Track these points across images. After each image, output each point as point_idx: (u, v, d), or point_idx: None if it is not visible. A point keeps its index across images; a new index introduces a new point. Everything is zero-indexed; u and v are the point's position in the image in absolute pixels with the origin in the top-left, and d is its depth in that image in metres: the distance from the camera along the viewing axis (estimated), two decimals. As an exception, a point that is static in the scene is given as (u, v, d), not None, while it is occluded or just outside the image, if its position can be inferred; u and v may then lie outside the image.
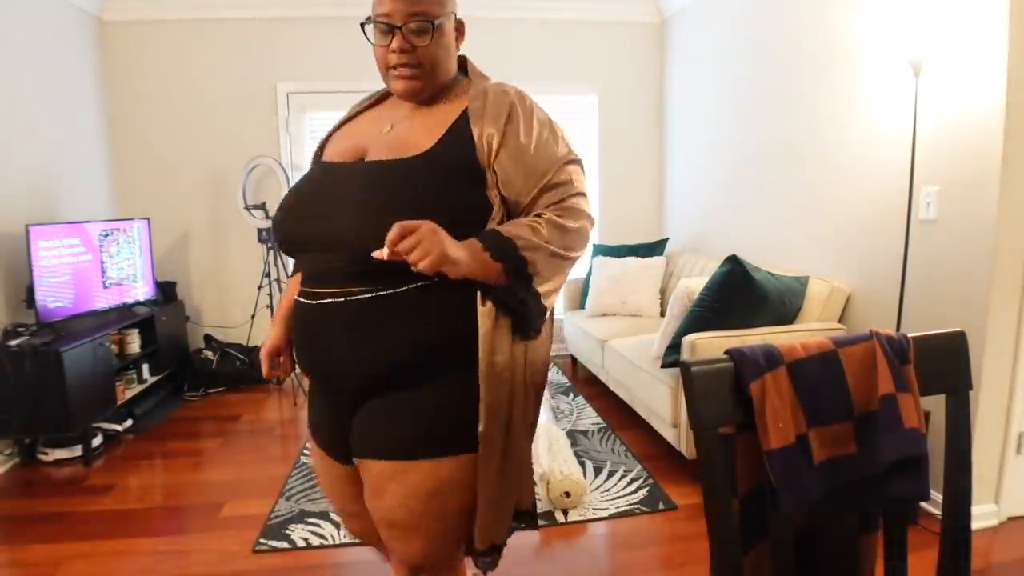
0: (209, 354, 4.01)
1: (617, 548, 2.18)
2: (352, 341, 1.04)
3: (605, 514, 2.35)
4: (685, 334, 2.49)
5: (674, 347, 2.57)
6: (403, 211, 0.95)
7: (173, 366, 3.89)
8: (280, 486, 2.63)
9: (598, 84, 4.53)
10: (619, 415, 3.36)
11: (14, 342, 2.79)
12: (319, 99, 4.21)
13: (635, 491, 2.52)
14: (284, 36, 4.13)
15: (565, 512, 2.35)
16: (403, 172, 1.03)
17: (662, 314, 3.62)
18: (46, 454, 2.96)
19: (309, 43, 4.16)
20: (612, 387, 3.42)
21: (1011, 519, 2.21)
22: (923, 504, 2.20)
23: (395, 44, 1.05)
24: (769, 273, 2.65)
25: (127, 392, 3.40)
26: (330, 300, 1.04)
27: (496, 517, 1.11)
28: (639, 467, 2.73)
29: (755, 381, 0.84)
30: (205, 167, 4.19)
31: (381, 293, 1.02)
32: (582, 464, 2.75)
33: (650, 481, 2.60)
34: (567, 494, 2.34)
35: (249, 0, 4.04)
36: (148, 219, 3.83)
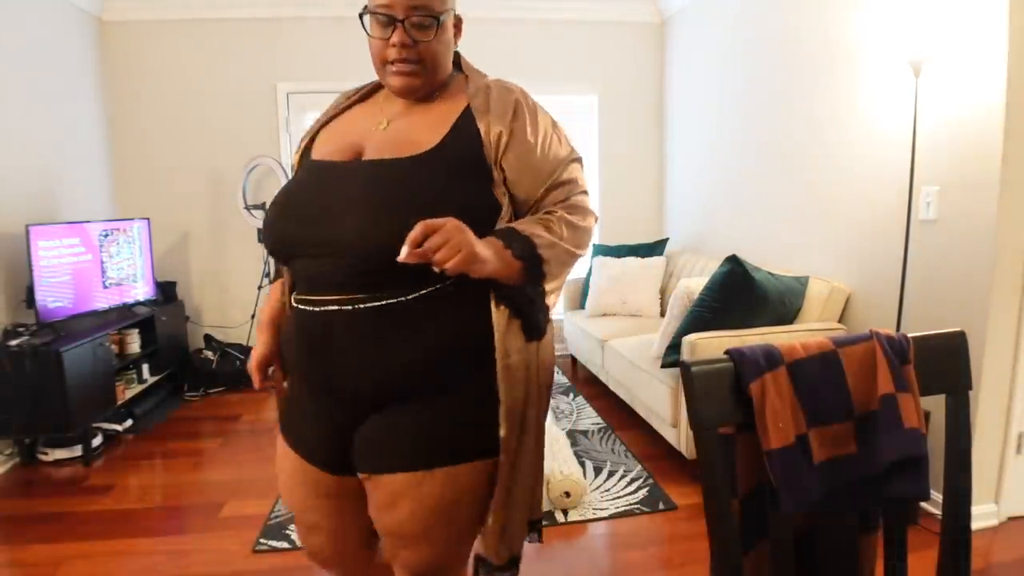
0: (209, 354, 4.01)
1: (617, 548, 2.18)
2: (364, 351, 0.99)
3: (605, 514, 2.35)
4: (685, 334, 2.49)
5: (674, 347, 2.57)
6: (409, 211, 0.92)
7: (173, 366, 3.89)
8: (280, 486, 2.63)
9: (598, 84, 4.53)
10: (619, 415, 3.36)
11: (14, 342, 2.79)
12: (319, 99, 4.21)
13: (635, 491, 2.52)
14: (283, 36, 4.13)
15: (565, 512, 2.35)
16: (408, 170, 0.99)
17: (662, 314, 3.62)
18: (46, 454, 2.96)
19: (309, 43, 4.15)
20: (612, 387, 3.42)
21: (1011, 519, 2.21)
22: (923, 504, 2.19)
23: (396, 38, 1.00)
24: (769, 273, 2.65)
25: (127, 392, 3.40)
26: (336, 308, 0.99)
27: (514, 525, 1.08)
28: (639, 467, 2.73)
29: (755, 381, 0.84)
30: (205, 167, 4.19)
31: (392, 301, 0.98)
32: (582, 464, 2.75)
33: (650, 481, 2.59)
34: (567, 494, 2.34)
35: (249, 0, 4.04)
36: (148, 219, 3.82)
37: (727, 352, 0.86)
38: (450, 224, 0.88)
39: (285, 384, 1.20)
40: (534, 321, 1.04)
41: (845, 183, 2.69)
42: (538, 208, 1.07)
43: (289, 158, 4.24)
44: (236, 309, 4.29)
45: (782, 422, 0.83)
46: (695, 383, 0.83)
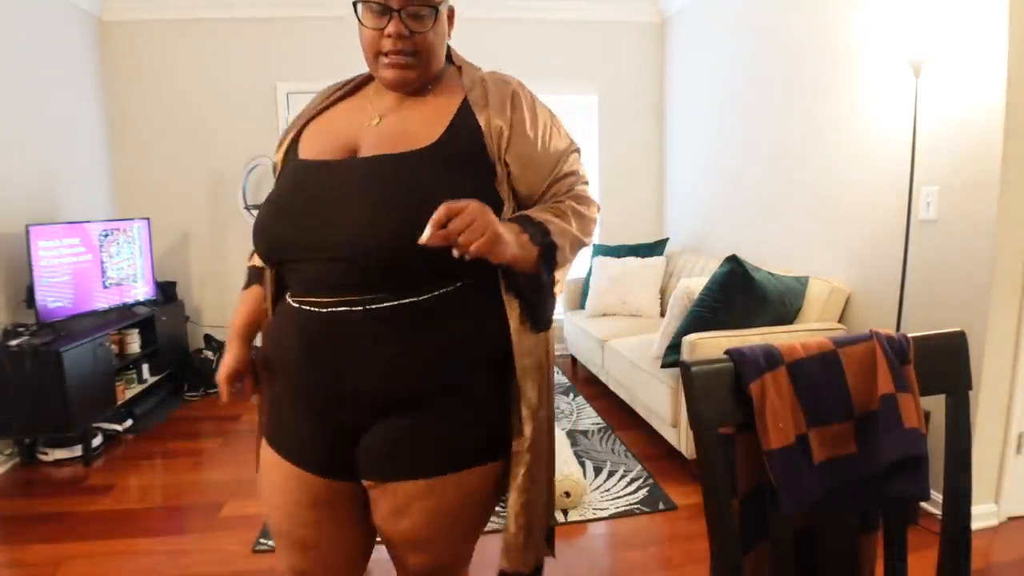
0: (209, 354, 4.01)
1: (617, 548, 2.18)
2: (378, 354, 0.95)
3: (605, 514, 2.35)
4: (685, 334, 2.49)
5: (674, 347, 2.57)
6: (412, 208, 0.89)
7: (173, 366, 3.89)
8: (280, 486, 2.63)
9: (598, 84, 4.53)
10: (619, 415, 3.36)
11: (14, 342, 2.79)
12: (319, 99, 4.21)
13: (635, 491, 2.52)
14: (283, 36, 4.13)
15: (565, 512, 2.35)
16: (408, 166, 0.95)
17: (662, 314, 3.62)
18: (46, 454, 2.96)
19: (308, 43, 4.15)
20: (612, 387, 3.42)
21: (1011, 519, 2.21)
22: (923, 504, 2.19)
23: (391, 28, 0.96)
24: (769, 273, 2.65)
25: (127, 392, 3.40)
26: (346, 308, 0.94)
27: (536, 529, 1.06)
28: (639, 467, 2.73)
29: (755, 381, 0.84)
30: (205, 167, 4.19)
31: (406, 301, 0.94)
32: (582, 464, 2.75)
33: (650, 481, 2.59)
34: (567, 494, 2.34)
35: (248, 0, 4.04)
36: (148, 219, 3.83)
37: (727, 352, 0.86)
38: (473, 205, 0.84)
39: (254, 398, 1.15)
40: (546, 311, 1.03)
41: (845, 183, 2.69)
42: (541, 201, 1.06)
43: (289, 158, 4.23)
44: (236, 309, 4.29)
45: (782, 422, 0.83)
46: (695, 383, 0.83)
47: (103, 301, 3.40)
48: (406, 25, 0.96)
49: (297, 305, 1.00)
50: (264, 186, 4.18)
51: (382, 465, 1.00)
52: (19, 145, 3.16)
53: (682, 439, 2.61)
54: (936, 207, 2.21)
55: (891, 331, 0.91)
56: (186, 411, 3.69)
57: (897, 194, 2.37)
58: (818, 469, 0.85)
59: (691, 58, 4.13)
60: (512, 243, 0.91)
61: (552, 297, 1.04)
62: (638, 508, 2.39)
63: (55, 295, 3.06)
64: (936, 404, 1.01)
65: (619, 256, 4.08)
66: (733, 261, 2.51)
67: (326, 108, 1.11)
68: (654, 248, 4.10)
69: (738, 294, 2.49)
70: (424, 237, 0.82)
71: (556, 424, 3.10)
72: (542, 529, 1.08)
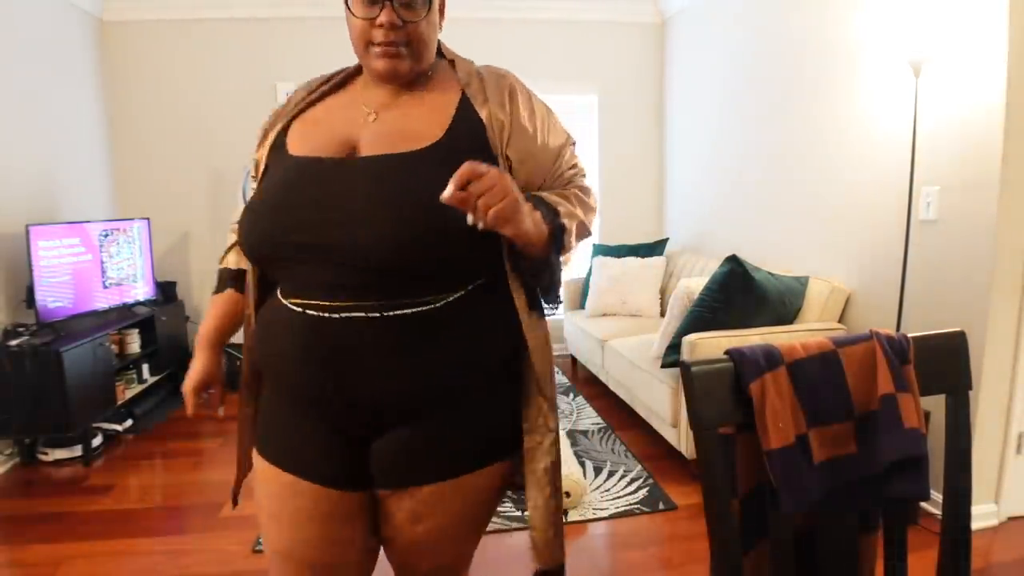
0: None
1: (617, 548, 2.18)
2: (397, 361, 0.92)
3: (605, 514, 2.35)
4: (685, 334, 2.49)
5: (674, 347, 2.57)
6: (424, 208, 0.86)
7: (173, 366, 3.89)
8: (280, 486, 2.63)
9: (598, 84, 4.53)
10: (619, 415, 3.36)
11: (14, 342, 2.79)
12: (319, 99, 4.21)
13: (635, 491, 2.52)
14: (283, 36, 4.13)
15: (565, 512, 2.35)
16: (418, 165, 0.92)
17: (662, 314, 3.62)
18: (46, 454, 2.96)
19: (308, 43, 4.15)
20: (612, 387, 3.42)
21: (1011, 519, 2.21)
22: (923, 504, 2.19)
23: (383, 18, 0.92)
24: (769, 273, 2.65)
25: (127, 392, 3.40)
26: (361, 314, 0.90)
27: (560, 523, 1.05)
28: (639, 467, 2.73)
29: (755, 381, 0.84)
30: (205, 167, 4.19)
31: (423, 304, 0.91)
32: (582, 464, 2.75)
33: (650, 481, 2.59)
34: (567, 494, 2.34)
35: (248, 0, 4.04)
36: (148, 219, 3.83)
37: (727, 352, 0.86)
38: (495, 170, 0.82)
39: (221, 410, 1.12)
40: (552, 295, 1.03)
41: (845, 183, 2.69)
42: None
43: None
44: (236, 309, 4.29)
45: (782, 422, 0.83)
46: (695, 383, 0.83)
47: (103, 301, 3.39)
48: (399, 14, 0.92)
49: (300, 310, 0.93)
50: (264, 186, 4.18)
51: (401, 471, 0.98)
52: (19, 145, 3.16)
53: (682, 439, 2.61)
54: (936, 207, 2.21)
55: (891, 331, 0.91)
56: (186, 411, 3.69)
57: (897, 194, 2.37)
58: (818, 469, 0.85)
59: (691, 58, 4.13)
60: (528, 214, 0.89)
61: (558, 282, 1.03)
62: (638, 508, 2.39)
63: (55, 295, 3.06)
64: (936, 404, 1.01)
65: (619, 256, 4.08)
66: (733, 261, 2.51)
67: (312, 103, 1.06)
68: (654, 248, 4.10)
69: (738, 294, 2.49)
70: (446, 194, 0.79)
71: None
72: (559, 527, 1.06)
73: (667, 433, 2.74)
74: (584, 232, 1.05)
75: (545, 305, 1.03)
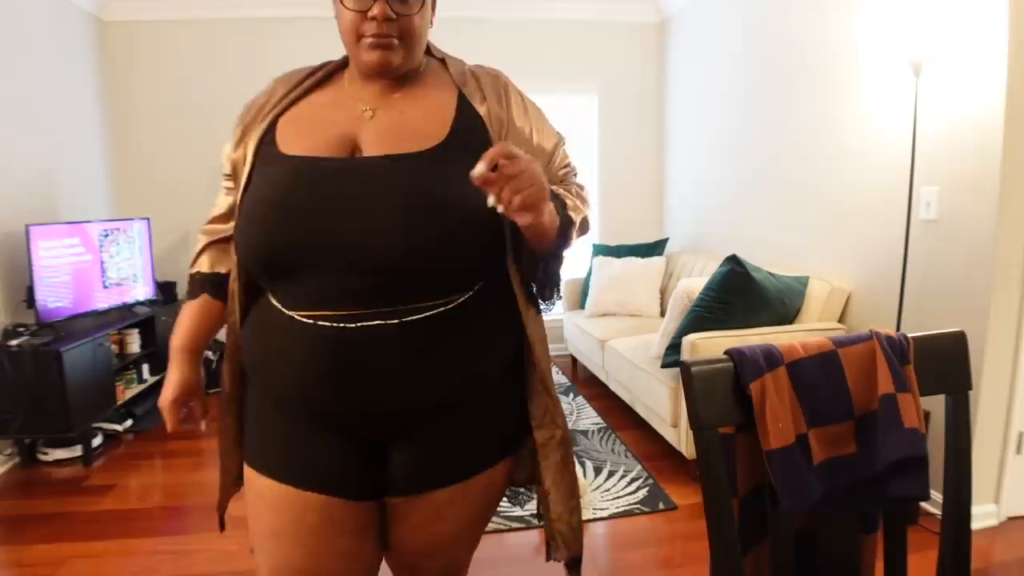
0: (209, 354, 4.01)
1: (617, 548, 2.18)
2: (417, 367, 0.90)
3: (605, 514, 2.35)
4: (685, 334, 2.49)
5: (674, 347, 2.57)
6: (440, 209, 0.85)
7: (173, 366, 3.88)
8: (280, 486, 2.63)
9: (598, 84, 4.53)
10: (619, 415, 3.36)
11: (14, 342, 2.79)
12: (319, 99, 4.21)
13: (635, 491, 2.52)
14: (284, 36, 4.13)
15: (565, 512, 2.35)
16: (435, 164, 0.89)
17: (662, 314, 3.62)
18: (46, 454, 2.96)
19: (309, 43, 4.13)
20: (612, 387, 3.42)
21: (1011, 519, 2.21)
22: (923, 504, 2.20)
23: (376, 10, 0.90)
24: (769, 273, 2.65)
25: (127, 392, 3.40)
26: (379, 322, 0.86)
27: (579, 515, 1.05)
28: (639, 467, 2.73)
29: (755, 381, 0.84)
30: (205, 167, 4.18)
31: (439, 309, 0.89)
32: (582, 464, 2.75)
33: (650, 481, 2.59)
34: (567, 494, 2.34)
35: (248, 0, 4.04)
36: (148, 219, 3.83)
37: (727, 352, 0.86)
38: (527, 155, 0.79)
39: (203, 423, 1.10)
40: (554, 289, 1.03)
41: (845, 183, 2.69)
42: None
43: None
44: (236, 309, 4.28)
45: (782, 422, 0.83)
46: (695, 383, 0.83)
47: (103, 301, 3.39)
48: (392, 7, 0.91)
49: (311, 322, 0.88)
50: (264, 186, 4.18)
51: (420, 477, 0.96)
52: (19, 145, 3.16)
53: (682, 439, 2.61)
54: (936, 207, 2.21)
55: (891, 331, 0.91)
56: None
57: (897, 194, 2.37)
58: (818, 469, 0.85)
59: (691, 57, 4.12)
60: (550, 205, 0.87)
61: (559, 276, 1.03)
62: (638, 508, 2.39)
63: (55, 295, 3.06)
64: (936, 404, 1.01)
65: (619, 256, 4.08)
66: (733, 261, 2.51)
67: (297, 100, 1.03)
68: (654, 248, 4.10)
69: (738, 294, 2.49)
70: (476, 171, 0.76)
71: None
72: (578, 519, 1.05)
73: (667, 433, 2.74)
74: (584, 228, 1.05)
75: (541, 302, 1.03)
